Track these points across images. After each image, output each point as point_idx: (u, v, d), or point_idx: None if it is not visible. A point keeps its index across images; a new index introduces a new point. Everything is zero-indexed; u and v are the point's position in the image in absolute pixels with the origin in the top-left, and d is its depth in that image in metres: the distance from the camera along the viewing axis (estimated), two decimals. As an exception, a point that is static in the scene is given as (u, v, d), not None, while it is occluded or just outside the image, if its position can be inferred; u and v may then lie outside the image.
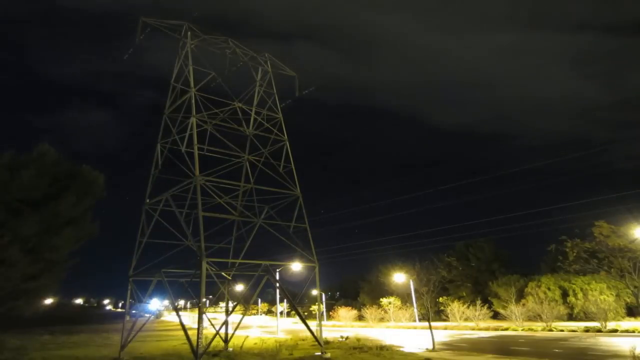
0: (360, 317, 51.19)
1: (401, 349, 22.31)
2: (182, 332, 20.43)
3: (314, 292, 47.57)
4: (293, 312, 68.44)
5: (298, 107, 26.87)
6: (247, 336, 30.25)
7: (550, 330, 30.34)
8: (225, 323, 24.10)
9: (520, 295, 39.39)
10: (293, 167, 24.71)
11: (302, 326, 26.79)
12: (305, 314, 50.43)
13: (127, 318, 22.62)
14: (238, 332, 26.14)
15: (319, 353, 19.70)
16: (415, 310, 46.19)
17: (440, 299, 43.51)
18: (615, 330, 26.96)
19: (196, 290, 19.03)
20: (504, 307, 37.42)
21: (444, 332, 33.23)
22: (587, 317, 31.58)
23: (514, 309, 35.17)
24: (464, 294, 47.31)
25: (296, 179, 24.11)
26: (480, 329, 34.86)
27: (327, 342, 24.19)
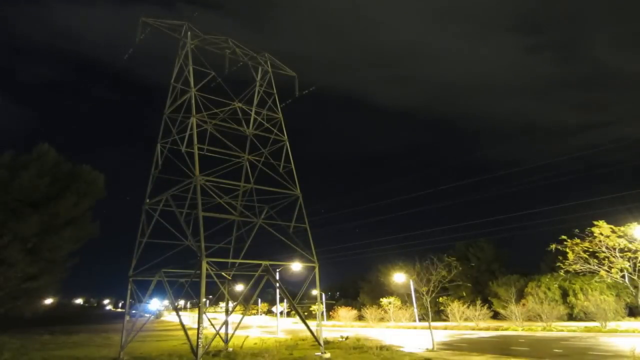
0: (360, 317, 51.15)
1: (401, 348, 22.31)
2: (182, 332, 20.45)
3: (314, 292, 47.56)
4: (293, 312, 68.44)
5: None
6: (247, 336, 30.25)
7: (550, 330, 30.34)
8: (225, 323, 24.11)
9: (520, 295, 39.38)
10: (293, 167, 24.73)
11: (302, 326, 26.81)
12: (305, 314, 50.41)
13: (127, 318, 22.60)
14: (238, 332, 26.13)
15: (319, 353, 19.70)
16: (415, 310, 46.20)
17: (440, 299, 43.54)
18: (615, 330, 26.97)
19: (196, 290, 19.02)
20: (504, 307, 37.41)
21: (444, 332, 33.22)
22: (587, 317, 31.60)
23: (514, 309, 35.16)
24: (464, 294, 47.27)
25: (296, 179, 24.14)
26: (480, 329, 34.85)
27: (327, 342, 24.18)
